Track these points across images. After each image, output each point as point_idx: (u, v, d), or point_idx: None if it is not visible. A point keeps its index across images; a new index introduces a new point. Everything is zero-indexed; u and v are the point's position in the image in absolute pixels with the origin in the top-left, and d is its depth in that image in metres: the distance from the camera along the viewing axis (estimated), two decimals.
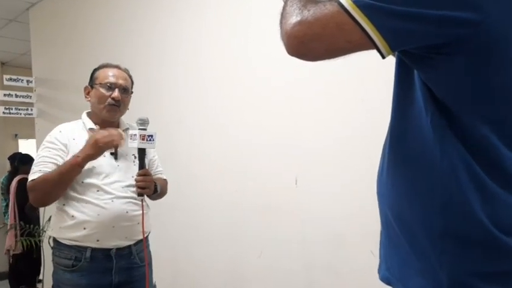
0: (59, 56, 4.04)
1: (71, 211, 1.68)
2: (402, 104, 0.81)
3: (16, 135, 6.34)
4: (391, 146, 0.84)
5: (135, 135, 1.66)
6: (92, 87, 1.81)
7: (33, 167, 1.71)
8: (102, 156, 1.72)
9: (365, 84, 1.97)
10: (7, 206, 5.11)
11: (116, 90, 1.76)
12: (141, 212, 1.79)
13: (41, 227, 3.94)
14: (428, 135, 0.75)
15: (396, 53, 0.81)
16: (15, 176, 4.87)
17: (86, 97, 1.84)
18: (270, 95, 2.36)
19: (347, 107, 2.05)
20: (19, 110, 4.33)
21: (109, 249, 1.70)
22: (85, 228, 1.66)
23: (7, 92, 4.16)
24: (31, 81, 4.28)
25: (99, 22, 3.55)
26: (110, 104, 1.75)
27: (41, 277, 4.47)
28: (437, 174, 0.74)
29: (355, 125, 2.01)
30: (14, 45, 5.36)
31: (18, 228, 4.32)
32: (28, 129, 4.98)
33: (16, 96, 4.21)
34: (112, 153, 1.76)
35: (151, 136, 1.67)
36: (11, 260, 4.98)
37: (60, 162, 1.67)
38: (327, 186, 2.11)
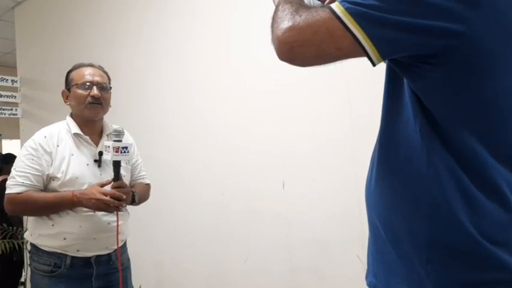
0: (44, 56, 3.99)
1: (51, 220, 1.65)
2: (392, 112, 0.82)
3: (0, 135, 6.24)
4: (379, 154, 0.85)
5: (108, 147, 1.62)
6: (69, 90, 1.76)
7: (13, 174, 1.66)
8: (85, 164, 1.70)
9: (351, 88, 1.99)
10: None
11: (94, 88, 1.72)
12: (124, 220, 1.79)
13: (24, 229, 3.88)
14: (415, 144, 0.75)
15: (386, 61, 0.82)
16: None
17: (65, 102, 1.80)
18: (257, 98, 2.37)
19: (333, 110, 2.07)
20: (3, 110, 4.25)
21: (89, 257, 1.68)
22: (65, 239, 1.63)
23: None
24: (16, 81, 4.22)
25: (85, 22, 3.52)
26: (91, 103, 1.71)
27: (23, 279, 4.39)
28: (423, 182, 0.74)
29: (342, 128, 2.03)
30: None
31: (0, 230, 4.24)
32: (12, 129, 4.90)
33: (0, 96, 4.14)
34: (95, 161, 1.73)
35: (126, 148, 1.63)
36: None
37: (45, 172, 1.63)
38: (314, 190, 2.12)
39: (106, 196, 1.60)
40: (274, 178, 2.27)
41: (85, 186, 1.65)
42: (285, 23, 0.72)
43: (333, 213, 2.04)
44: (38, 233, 1.68)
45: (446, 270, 0.73)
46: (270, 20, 0.79)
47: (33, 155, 1.65)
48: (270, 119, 2.31)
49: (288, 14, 0.73)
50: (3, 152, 5.62)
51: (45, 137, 1.69)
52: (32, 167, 1.63)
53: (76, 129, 1.73)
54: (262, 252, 2.33)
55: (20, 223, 4.08)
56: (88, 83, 1.72)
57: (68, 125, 1.75)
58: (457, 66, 0.70)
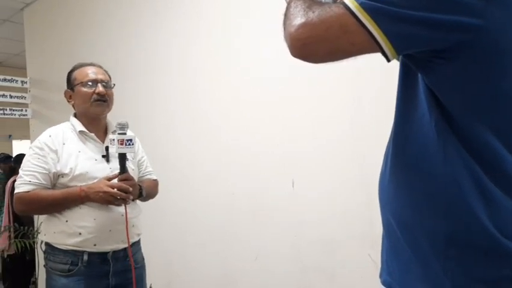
0: (53, 57, 4.01)
1: (64, 216, 1.66)
2: (406, 109, 0.81)
3: (10, 136, 6.30)
4: (394, 151, 0.83)
5: (113, 140, 1.64)
6: (72, 89, 1.78)
7: (20, 173, 1.68)
8: (94, 159, 1.71)
9: (360, 86, 1.98)
10: (0, 208, 5.07)
11: (99, 85, 1.73)
12: (136, 214, 1.80)
13: (35, 229, 3.92)
14: (431, 141, 0.74)
15: (400, 56, 0.81)
16: (9, 177, 4.83)
17: (69, 101, 1.81)
18: (264, 97, 2.36)
19: (342, 109, 2.05)
20: (13, 110, 4.30)
21: (106, 253, 1.68)
22: (80, 234, 1.64)
23: (1, 93, 4.13)
24: (25, 82, 4.25)
25: (93, 23, 3.54)
26: (96, 100, 1.73)
27: (34, 279, 4.44)
28: (439, 179, 0.73)
29: (352, 126, 2.01)
30: (8, 45, 5.33)
31: (12, 229, 4.29)
32: (22, 130, 4.95)
33: (10, 97, 4.18)
34: (103, 156, 1.74)
35: (130, 140, 1.64)
36: (4, 262, 4.95)
37: (51, 170, 1.65)
38: (323, 189, 2.11)
39: (113, 189, 1.61)
40: (283, 177, 2.26)
41: (96, 181, 1.66)
42: (298, 20, 0.71)
43: (342, 212, 2.03)
44: (52, 231, 1.68)
45: (464, 267, 0.72)
46: (282, 17, 0.78)
47: (39, 154, 1.66)
48: (278, 118, 2.30)
49: (301, 11, 0.72)
50: (14, 153, 5.68)
51: (50, 136, 1.71)
52: (39, 166, 1.65)
53: (80, 127, 1.74)
54: (271, 251, 2.32)
55: (31, 223, 4.12)
56: (92, 81, 1.74)
57: (72, 124, 1.77)
58: (473, 61, 0.69)
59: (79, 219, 1.65)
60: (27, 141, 4.56)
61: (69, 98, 1.81)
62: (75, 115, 1.81)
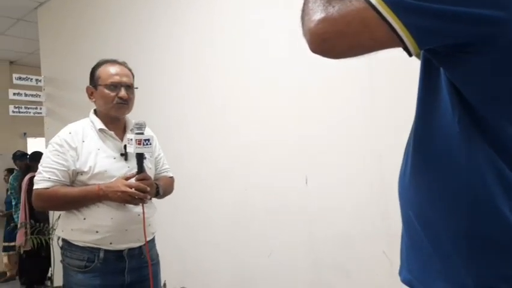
0: (67, 55, 4.05)
1: (82, 213, 1.68)
2: (428, 104, 0.80)
3: (25, 133, 6.38)
4: (415, 146, 0.82)
5: (131, 139, 1.64)
6: (95, 87, 1.77)
7: (40, 169, 1.69)
8: (112, 158, 1.72)
9: (375, 82, 1.96)
10: (16, 205, 5.15)
11: (122, 89, 1.73)
12: (152, 213, 1.82)
13: (50, 226, 3.97)
14: (454, 135, 0.73)
15: (421, 51, 0.80)
16: (26, 174, 4.90)
17: (90, 98, 1.80)
18: (279, 93, 2.35)
19: (357, 104, 2.03)
20: (28, 108, 4.35)
21: (121, 250, 1.70)
22: (97, 232, 1.65)
23: (16, 91, 4.18)
24: (40, 80, 4.30)
25: (106, 21, 3.56)
26: (118, 103, 1.73)
27: (50, 275, 4.50)
28: (463, 174, 0.72)
29: (366, 123, 1.99)
30: (22, 44, 5.40)
31: (28, 226, 4.35)
32: (37, 127, 5.00)
33: (25, 95, 4.23)
34: (122, 154, 1.75)
35: (148, 140, 1.65)
36: (20, 258, 5.03)
37: (70, 168, 1.66)
38: (337, 185, 2.10)
39: (131, 188, 1.62)
40: (297, 174, 2.25)
41: (114, 179, 1.67)
42: (318, 15, 0.70)
43: (357, 209, 2.02)
44: (70, 228, 1.70)
45: (487, 264, 0.71)
46: (300, 13, 0.77)
47: (58, 151, 1.67)
48: (292, 114, 2.29)
49: (320, 5, 0.71)
50: (29, 150, 5.76)
51: (70, 133, 1.72)
52: (58, 163, 1.66)
53: (100, 125, 1.75)
54: (285, 248, 2.32)
55: (47, 220, 4.18)
56: (116, 84, 1.73)
57: (92, 121, 1.77)
58: (497, 54, 0.68)
59: (97, 218, 1.66)
60: (42, 139, 4.60)
61: (90, 94, 1.80)
62: (95, 111, 1.82)
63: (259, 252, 2.43)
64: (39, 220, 4.19)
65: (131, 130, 1.77)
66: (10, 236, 5.18)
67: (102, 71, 1.77)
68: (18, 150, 5.59)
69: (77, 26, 3.93)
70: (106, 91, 1.73)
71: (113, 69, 1.77)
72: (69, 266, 1.70)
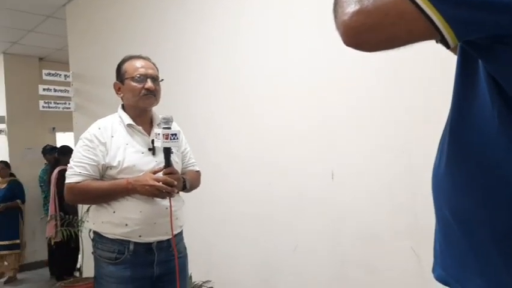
0: (95, 51, 4.12)
1: (112, 206, 1.72)
2: (465, 97, 0.77)
3: (54, 128, 6.53)
4: (451, 141, 0.80)
5: (159, 134, 1.67)
6: (122, 82, 1.81)
7: (71, 163, 1.74)
8: (140, 152, 1.75)
9: (404, 73, 1.92)
10: (45, 197, 5.30)
11: (149, 80, 1.77)
12: (179, 206, 1.84)
13: (79, 218, 4.07)
14: (492, 130, 0.71)
15: (458, 43, 0.77)
16: (54, 168, 5.03)
17: (117, 93, 1.85)
18: (304, 86, 2.34)
19: (385, 99, 2.00)
20: (57, 104, 4.45)
21: (150, 243, 1.74)
22: (127, 225, 1.69)
23: (46, 87, 4.28)
24: (68, 76, 4.39)
25: (134, 17, 3.60)
26: (145, 94, 1.77)
27: (78, 266, 4.62)
28: (501, 169, 0.70)
29: (395, 117, 1.96)
30: (51, 40, 5.51)
31: (58, 218, 4.47)
32: (65, 122, 5.12)
33: (54, 90, 4.32)
34: (149, 149, 1.78)
35: (175, 135, 1.67)
36: (50, 249, 5.17)
37: (100, 162, 1.70)
38: (364, 181, 2.07)
39: (159, 182, 1.65)
40: (322, 169, 2.24)
41: (142, 174, 1.70)
42: (352, 7, 0.69)
43: (384, 204, 1.99)
44: (100, 220, 1.75)
45: None
46: (332, 6, 0.75)
47: (88, 146, 1.72)
48: (318, 109, 2.28)
49: None
50: (58, 144, 5.89)
51: (99, 128, 1.76)
52: (88, 157, 1.71)
53: (128, 120, 1.79)
54: (310, 243, 2.31)
55: (75, 212, 4.28)
56: (142, 76, 1.77)
57: (120, 117, 1.81)
58: None
59: (126, 211, 1.70)
60: (71, 134, 4.71)
61: (118, 90, 1.84)
62: (123, 107, 1.85)
63: (284, 246, 2.43)
64: (68, 212, 4.30)
65: (158, 125, 1.80)
66: (8, 233, 5.27)
67: (128, 65, 1.82)
68: (48, 145, 5.74)
69: (104, 23, 3.99)
70: (133, 84, 1.77)
71: (138, 63, 1.81)
72: (100, 258, 1.74)
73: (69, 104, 4.45)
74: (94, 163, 1.71)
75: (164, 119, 1.72)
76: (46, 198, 5.26)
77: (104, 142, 1.72)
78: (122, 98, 1.85)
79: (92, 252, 1.80)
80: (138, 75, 1.77)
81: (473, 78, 0.75)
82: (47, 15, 4.75)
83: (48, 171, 5.32)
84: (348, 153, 2.15)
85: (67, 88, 4.40)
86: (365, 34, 0.69)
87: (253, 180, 2.61)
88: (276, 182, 2.49)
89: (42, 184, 5.46)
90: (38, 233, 5.72)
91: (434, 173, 0.85)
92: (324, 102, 2.24)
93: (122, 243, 1.70)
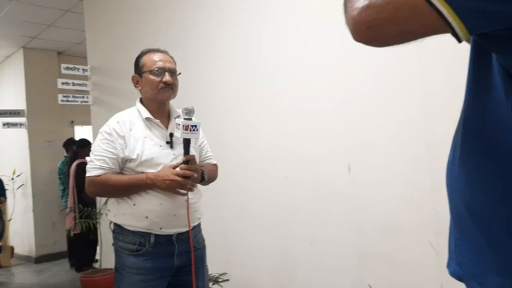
0: (113, 45, 4.16)
1: (132, 199, 1.74)
2: (478, 91, 0.76)
3: (72, 122, 6.62)
4: (465, 136, 0.78)
5: (179, 124, 1.69)
6: (140, 75, 1.83)
7: (91, 157, 1.76)
8: (159, 145, 1.77)
9: (423, 68, 1.89)
10: (64, 190, 5.39)
11: (167, 74, 1.79)
12: (198, 199, 1.86)
13: (97, 210, 4.13)
14: (508, 124, 0.69)
15: (472, 37, 0.75)
16: (73, 161, 5.11)
17: (136, 86, 1.87)
18: (321, 79, 2.32)
19: (403, 91, 1.97)
20: (75, 98, 4.50)
21: (171, 235, 1.76)
22: (147, 217, 1.71)
23: (64, 81, 4.34)
24: (86, 70, 4.44)
25: (152, 11, 3.61)
26: (163, 87, 1.79)
27: (97, 257, 4.70)
28: None
29: (412, 110, 1.94)
30: (69, 35, 5.58)
31: (77, 210, 4.54)
32: (84, 116, 5.19)
33: (73, 84, 4.38)
34: (167, 142, 1.79)
35: (195, 126, 1.69)
36: (70, 240, 5.27)
37: (119, 155, 1.73)
38: (382, 174, 2.06)
39: (179, 177, 1.67)
40: (340, 161, 2.22)
41: (161, 167, 1.73)
42: (361, 2, 0.67)
43: (402, 198, 1.97)
44: (121, 213, 1.77)
45: None
46: (342, 1, 0.74)
47: (108, 139, 1.74)
48: (335, 101, 2.26)
49: None
50: (76, 138, 5.98)
51: (118, 122, 1.78)
52: (108, 151, 1.73)
53: (146, 113, 1.80)
54: (328, 235, 2.31)
55: (94, 204, 4.35)
56: (160, 69, 1.79)
57: (138, 110, 1.83)
58: None
59: (146, 204, 1.72)
60: (89, 127, 4.77)
61: (136, 83, 1.87)
62: (141, 100, 1.87)
63: (302, 239, 2.43)
64: (87, 204, 4.36)
65: (178, 117, 1.81)
66: None
67: (146, 58, 1.83)
68: (70, 138, 5.83)
69: (121, 16, 4.02)
70: (151, 77, 1.79)
71: (156, 56, 1.83)
72: (121, 249, 1.76)
73: (87, 97, 4.50)
74: (113, 156, 1.73)
75: (186, 109, 1.72)
76: (65, 191, 5.35)
77: (123, 135, 1.74)
78: (140, 91, 1.87)
79: (113, 244, 1.82)
80: (156, 69, 1.79)
81: (487, 72, 0.73)
82: (65, 10, 4.81)
83: (67, 164, 5.41)
84: (365, 145, 2.13)
85: (85, 82, 4.45)
86: (376, 29, 0.67)
87: (272, 173, 2.61)
88: (292, 175, 2.49)
89: (61, 176, 5.55)
90: (58, 224, 5.84)
91: (448, 169, 0.83)
92: (340, 95, 2.23)
93: (143, 235, 1.72)
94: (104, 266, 4.04)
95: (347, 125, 2.21)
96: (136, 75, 1.86)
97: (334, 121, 2.27)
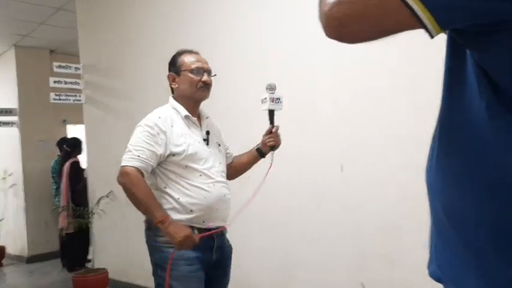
0: (105, 43, 4.12)
1: (176, 193, 1.76)
2: (453, 89, 0.74)
3: (65, 120, 6.57)
4: (441, 135, 0.77)
5: (265, 98, 1.81)
6: (178, 73, 1.87)
7: (129, 148, 1.74)
8: (197, 142, 1.81)
9: (415, 68, 1.89)
10: (57, 189, 5.33)
11: (205, 74, 1.86)
12: (230, 195, 1.90)
13: (89, 209, 4.09)
14: (482, 122, 0.68)
15: (447, 33, 0.74)
16: (66, 160, 5.06)
17: (172, 84, 1.91)
18: (313, 83, 2.32)
19: (394, 92, 1.98)
20: (68, 96, 4.46)
21: (211, 229, 1.78)
22: (192, 211, 1.74)
23: (57, 79, 4.30)
24: (79, 68, 4.40)
25: (145, 9, 3.59)
26: (202, 87, 1.85)
27: (90, 257, 4.67)
28: (492, 163, 0.67)
29: (404, 110, 1.94)
30: (61, 33, 5.52)
31: (70, 209, 4.50)
32: (76, 115, 5.13)
33: (65, 83, 4.34)
34: (204, 140, 1.84)
35: (279, 99, 1.83)
36: (62, 240, 5.22)
37: (159, 150, 1.72)
38: (374, 174, 2.05)
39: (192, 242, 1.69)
40: (332, 161, 2.22)
41: (202, 162, 1.79)
42: None
43: (400, 198, 1.98)
44: (164, 207, 1.75)
45: None
46: None
47: (149, 133, 1.75)
48: (327, 102, 2.26)
49: None
50: (69, 137, 5.92)
51: (159, 117, 1.80)
52: (148, 143, 1.74)
53: (185, 112, 1.85)
54: (325, 235, 2.31)
55: (86, 204, 4.31)
56: (199, 69, 1.85)
57: (175, 108, 1.86)
58: None
59: (190, 197, 1.75)
60: (82, 126, 4.72)
61: (172, 80, 1.90)
62: (175, 99, 1.90)
63: (300, 239, 2.43)
64: (79, 204, 4.33)
65: (262, 100, 1.86)
66: None
67: (184, 58, 1.89)
68: (64, 137, 5.78)
69: (114, 15, 3.99)
70: (191, 75, 1.84)
71: (193, 57, 1.90)
72: (162, 245, 1.75)
73: (79, 96, 4.46)
74: (153, 149, 1.73)
75: (269, 85, 1.83)
76: (57, 190, 5.30)
77: (165, 131, 1.76)
78: (175, 89, 1.90)
79: (149, 242, 1.81)
80: (196, 68, 1.84)
81: (461, 69, 0.72)
82: (57, 8, 4.76)
83: (59, 163, 5.36)
84: (356, 145, 2.13)
85: (78, 80, 4.41)
86: (347, 26, 0.66)
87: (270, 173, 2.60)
88: (292, 173, 2.48)
89: (54, 175, 5.50)
90: (50, 224, 5.79)
91: (427, 168, 0.82)
92: (333, 95, 2.22)
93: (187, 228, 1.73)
94: (96, 266, 4.01)
95: (338, 125, 2.20)
96: (172, 73, 1.90)
97: (327, 121, 2.26)
